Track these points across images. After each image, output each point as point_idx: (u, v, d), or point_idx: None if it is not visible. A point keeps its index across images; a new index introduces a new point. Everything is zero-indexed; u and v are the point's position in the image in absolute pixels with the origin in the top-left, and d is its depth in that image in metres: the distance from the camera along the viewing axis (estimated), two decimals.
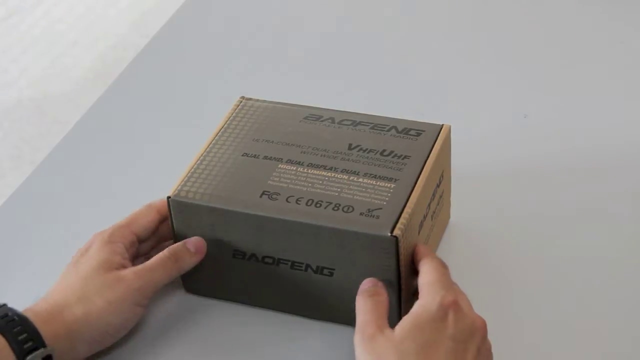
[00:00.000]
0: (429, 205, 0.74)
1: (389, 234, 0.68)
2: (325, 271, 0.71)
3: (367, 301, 0.67)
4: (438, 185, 0.77)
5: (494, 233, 0.82)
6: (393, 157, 0.74)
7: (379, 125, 0.78)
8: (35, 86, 2.29)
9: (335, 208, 0.70)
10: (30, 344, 0.65)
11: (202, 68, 1.09)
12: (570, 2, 1.15)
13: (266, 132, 0.78)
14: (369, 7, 1.18)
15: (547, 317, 0.75)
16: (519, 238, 0.82)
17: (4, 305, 0.68)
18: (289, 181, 0.73)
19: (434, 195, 0.76)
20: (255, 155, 0.76)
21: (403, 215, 0.69)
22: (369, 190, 0.71)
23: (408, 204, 0.70)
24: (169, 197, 0.73)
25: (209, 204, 0.72)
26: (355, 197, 0.71)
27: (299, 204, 0.71)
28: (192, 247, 0.73)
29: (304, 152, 0.75)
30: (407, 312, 0.66)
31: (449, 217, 0.83)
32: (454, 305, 0.65)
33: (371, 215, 0.69)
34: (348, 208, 0.70)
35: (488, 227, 0.83)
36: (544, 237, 0.82)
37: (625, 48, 1.07)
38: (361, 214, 0.69)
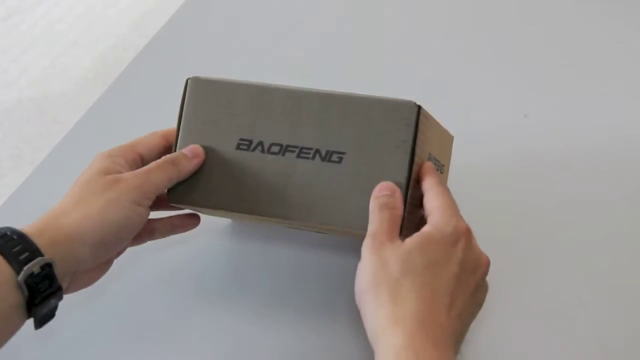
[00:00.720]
0: None
1: (413, 102, 0.68)
2: (335, 157, 0.69)
3: (384, 212, 0.66)
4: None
5: (494, 231, 0.82)
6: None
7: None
8: (35, 86, 2.29)
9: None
10: (26, 254, 0.63)
11: (202, 68, 1.09)
12: (570, 2, 1.15)
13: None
14: (369, 7, 1.18)
15: (547, 313, 0.75)
16: (519, 236, 0.82)
17: (5, 227, 0.65)
18: None
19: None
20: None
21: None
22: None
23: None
24: (187, 79, 0.74)
25: (230, 84, 0.73)
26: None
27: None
28: (189, 152, 0.72)
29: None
30: (409, 223, 0.66)
31: None
32: (467, 233, 0.65)
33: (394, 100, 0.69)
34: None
35: (488, 225, 0.83)
36: (543, 236, 0.82)
37: (625, 48, 1.07)
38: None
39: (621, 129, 0.94)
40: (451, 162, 0.80)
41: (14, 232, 0.64)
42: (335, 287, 0.78)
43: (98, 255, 0.68)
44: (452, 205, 0.67)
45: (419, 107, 0.68)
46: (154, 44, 1.15)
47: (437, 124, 0.76)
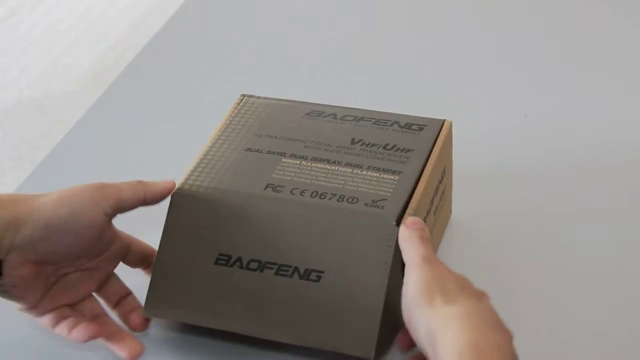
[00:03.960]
0: (432, 200, 0.75)
1: (394, 223, 0.68)
2: (313, 275, 0.69)
3: (418, 234, 0.67)
4: (440, 181, 0.77)
5: (494, 230, 0.83)
6: (396, 150, 0.75)
7: (381, 120, 0.78)
8: (36, 86, 2.29)
9: (340, 199, 0.70)
10: None
11: (202, 68, 1.09)
12: (570, 1, 1.15)
13: (268, 128, 0.78)
14: (370, 6, 1.18)
15: (548, 313, 0.75)
16: (520, 235, 0.82)
17: None
18: (292, 174, 0.73)
19: (436, 191, 0.76)
20: (258, 150, 0.76)
21: (410, 205, 0.69)
22: (372, 182, 0.71)
23: (414, 196, 0.70)
24: (172, 194, 0.73)
25: (213, 197, 0.72)
26: (359, 188, 0.71)
27: (303, 195, 0.71)
28: (160, 181, 0.73)
29: (307, 147, 0.75)
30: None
31: (450, 213, 0.83)
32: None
33: (376, 206, 0.69)
34: (353, 199, 0.70)
35: (489, 224, 0.83)
36: (544, 234, 0.82)
37: (626, 48, 1.07)
38: (366, 204, 0.70)
39: (621, 129, 0.94)
40: (452, 160, 0.80)
41: None
42: None
43: (39, 237, 0.67)
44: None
45: (400, 225, 0.68)
46: (154, 44, 1.15)
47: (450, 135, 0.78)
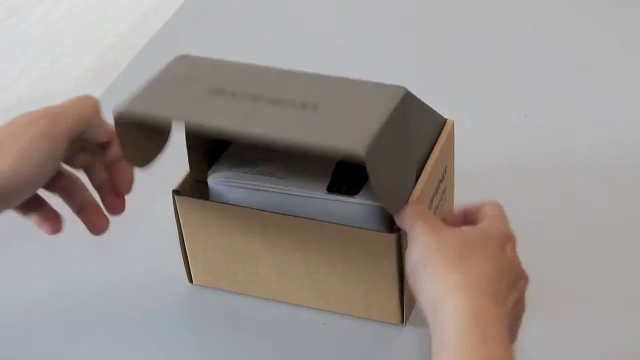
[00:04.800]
0: (432, 199, 0.75)
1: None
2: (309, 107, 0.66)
3: (427, 211, 0.67)
4: (441, 181, 0.77)
5: None
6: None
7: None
8: (35, 86, 2.29)
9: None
10: None
11: None
12: (570, 2, 1.15)
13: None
14: (370, 6, 1.18)
15: (547, 312, 0.75)
16: (519, 235, 0.82)
17: None
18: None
19: (437, 190, 0.76)
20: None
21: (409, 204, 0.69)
22: None
23: (412, 193, 0.70)
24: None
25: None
26: None
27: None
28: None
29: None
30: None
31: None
32: (514, 240, 0.65)
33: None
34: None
35: None
36: (544, 234, 0.82)
37: (626, 48, 1.07)
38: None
39: (621, 129, 0.94)
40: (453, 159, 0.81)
41: None
42: None
43: (11, 188, 0.64)
44: (503, 213, 0.67)
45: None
46: (154, 44, 1.15)
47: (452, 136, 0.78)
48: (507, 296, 0.62)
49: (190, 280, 0.79)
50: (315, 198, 0.72)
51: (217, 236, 0.75)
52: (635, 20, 1.11)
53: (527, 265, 0.79)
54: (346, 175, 0.73)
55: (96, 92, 1.09)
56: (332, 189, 0.72)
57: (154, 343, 0.76)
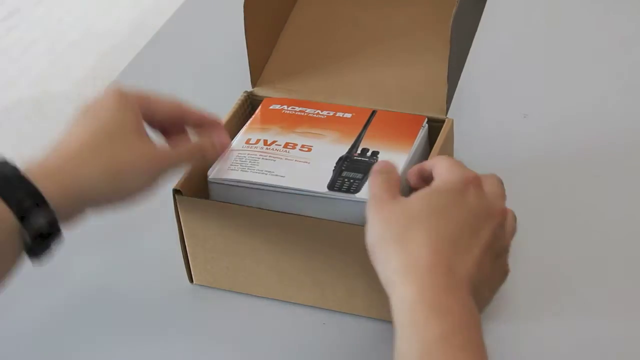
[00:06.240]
0: None
1: None
2: None
3: (379, 177, 0.66)
4: None
5: None
6: None
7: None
8: (35, 86, 2.28)
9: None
10: (30, 202, 0.60)
11: (202, 68, 1.09)
12: (570, 1, 1.15)
13: None
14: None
15: (547, 311, 0.75)
16: (519, 235, 0.82)
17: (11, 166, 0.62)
18: None
19: None
20: None
21: None
22: None
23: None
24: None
25: None
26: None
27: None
28: (217, 139, 0.74)
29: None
30: None
31: None
32: (475, 180, 0.64)
33: None
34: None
35: None
36: (544, 234, 0.82)
37: (626, 47, 1.07)
38: None
39: (622, 129, 0.94)
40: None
41: (25, 184, 0.61)
42: None
43: (100, 208, 0.66)
44: (458, 162, 0.66)
45: None
46: (154, 44, 1.15)
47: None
48: (471, 248, 0.61)
49: (191, 280, 0.79)
50: (316, 196, 0.72)
51: (218, 236, 0.75)
52: (636, 19, 1.11)
53: (527, 265, 0.79)
54: (347, 174, 0.73)
55: (96, 93, 1.09)
56: (333, 187, 0.72)
57: (154, 343, 0.76)
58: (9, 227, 0.60)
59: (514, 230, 0.67)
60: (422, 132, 0.77)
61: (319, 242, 0.71)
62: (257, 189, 0.73)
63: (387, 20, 0.93)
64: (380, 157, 0.74)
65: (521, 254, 0.80)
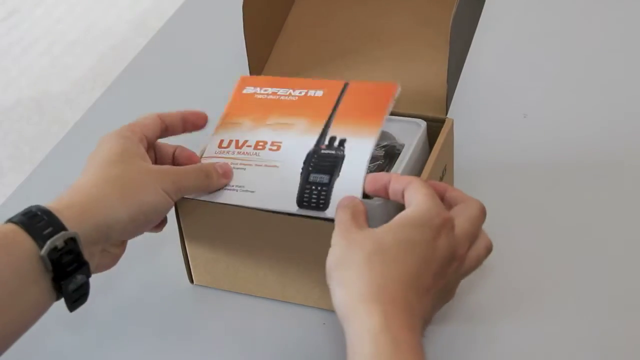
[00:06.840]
0: None
1: None
2: None
3: (345, 210, 0.66)
4: (441, 179, 0.77)
5: (494, 229, 0.82)
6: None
7: None
8: (35, 86, 2.29)
9: None
10: (50, 229, 0.62)
11: (202, 68, 1.09)
12: (571, 1, 1.15)
13: None
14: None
15: (547, 310, 0.75)
16: (520, 234, 0.82)
17: (32, 205, 0.65)
18: None
19: None
20: None
21: None
22: None
23: None
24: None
25: None
26: None
27: None
28: (221, 169, 0.74)
29: None
30: None
31: None
32: (450, 223, 0.63)
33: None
34: None
35: (488, 223, 0.83)
36: (543, 235, 0.82)
37: (626, 48, 1.07)
38: None
39: (622, 129, 0.94)
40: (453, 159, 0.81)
41: (39, 208, 0.63)
42: None
43: (125, 234, 0.68)
44: (434, 194, 0.65)
45: None
46: (154, 44, 1.15)
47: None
48: (429, 291, 0.62)
49: (191, 281, 0.80)
50: (285, 217, 0.72)
51: (218, 236, 0.75)
52: (636, 18, 1.11)
53: (526, 265, 0.79)
54: (315, 177, 0.73)
55: (96, 92, 1.10)
56: (302, 201, 0.72)
57: (154, 343, 0.76)
58: (31, 256, 0.61)
59: (479, 263, 0.67)
60: (420, 132, 0.77)
61: (318, 242, 0.71)
62: (229, 205, 0.73)
63: (387, 20, 0.93)
64: (347, 145, 0.73)
65: (521, 254, 0.80)
